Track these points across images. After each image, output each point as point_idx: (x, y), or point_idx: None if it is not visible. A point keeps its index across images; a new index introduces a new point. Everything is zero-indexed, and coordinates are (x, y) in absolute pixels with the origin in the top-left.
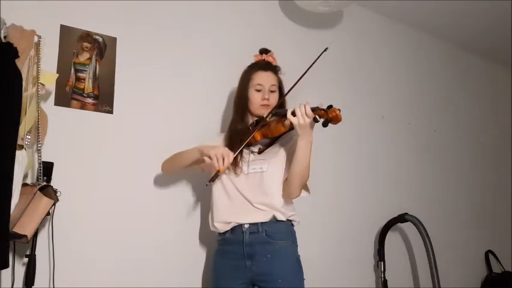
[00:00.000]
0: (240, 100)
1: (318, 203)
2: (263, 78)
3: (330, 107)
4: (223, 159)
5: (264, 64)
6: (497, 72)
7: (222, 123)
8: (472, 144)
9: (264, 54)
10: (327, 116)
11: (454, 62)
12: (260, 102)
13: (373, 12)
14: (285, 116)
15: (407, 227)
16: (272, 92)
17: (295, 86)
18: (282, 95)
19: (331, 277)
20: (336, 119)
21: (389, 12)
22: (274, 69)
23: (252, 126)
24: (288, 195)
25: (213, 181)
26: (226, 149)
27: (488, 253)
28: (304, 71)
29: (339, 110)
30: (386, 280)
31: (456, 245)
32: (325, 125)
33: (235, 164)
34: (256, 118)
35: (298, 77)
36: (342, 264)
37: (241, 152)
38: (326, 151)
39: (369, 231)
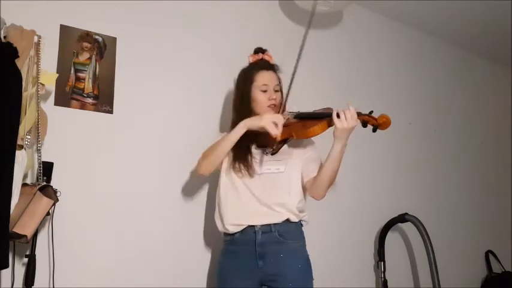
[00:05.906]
0: (243, 102)
1: (317, 203)
2: (267, 78)
3: (371, 112)
4: (277, 124)
5: (265, 64)
6: (497, 72)
7: (221, 123)
8: (472, 144)
9: (261, 54)
10: (376, 122)
11: (454, 62)
12: (268, 102)
13: (373, 12)
14: (320, 117)
15: (407, 227)
16: (276, 91)
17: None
18: (282, 94)
19: (331, 277)
20: (385, 125)
21: (389, 12)
22: (274, 68)
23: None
24: (314, 196)
25: (276, 151)
26: (273, 114)
27: (488, 253)
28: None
29: (387, 116)
30: (386, 280)
31: (456, 245)
32: (374, 130)
33: (248, 164)
34: None
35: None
36: (342, 264)
37: (251, 152)
38: (325, 151)
39: (369, 231)
